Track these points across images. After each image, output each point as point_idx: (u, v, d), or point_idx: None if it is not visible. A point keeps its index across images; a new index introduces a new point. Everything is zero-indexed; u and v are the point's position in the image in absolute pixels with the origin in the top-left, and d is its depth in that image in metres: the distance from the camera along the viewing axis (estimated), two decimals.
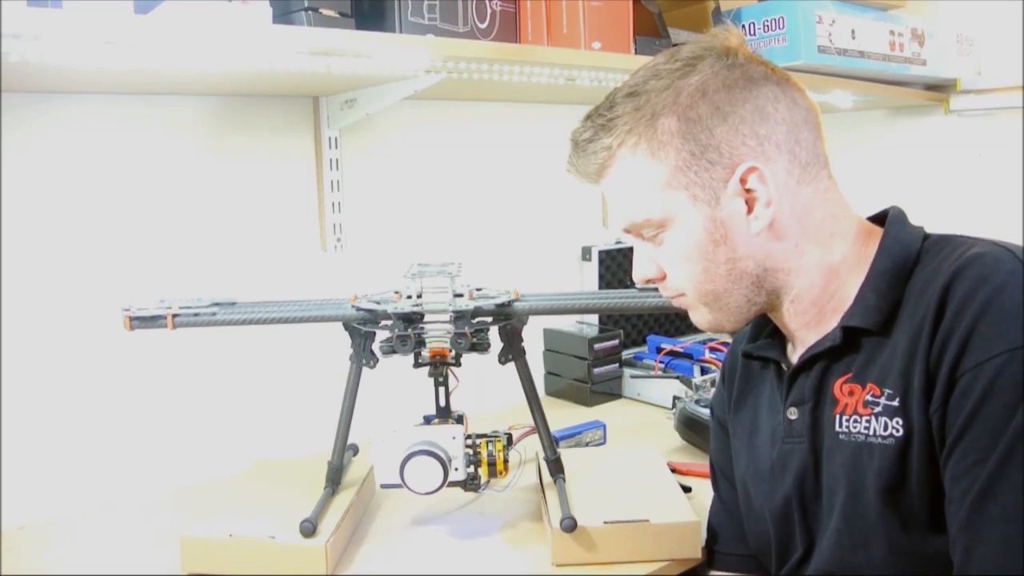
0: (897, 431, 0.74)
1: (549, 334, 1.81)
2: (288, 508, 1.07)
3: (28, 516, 1.22)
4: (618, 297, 1.13)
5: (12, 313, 1.21)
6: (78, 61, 0.96)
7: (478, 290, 1.14)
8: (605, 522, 1.04)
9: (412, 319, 1.08)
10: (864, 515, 0.77)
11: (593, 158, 0.84)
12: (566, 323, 1.82)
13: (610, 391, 1.75)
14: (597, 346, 1.72)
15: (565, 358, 1.77)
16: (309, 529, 1.02)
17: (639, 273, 0.88)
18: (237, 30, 1.01)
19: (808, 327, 0.84)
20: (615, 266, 1.90)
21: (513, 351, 1.13)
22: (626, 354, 1.80)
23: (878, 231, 0.84)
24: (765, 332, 0.93)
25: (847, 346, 0.80)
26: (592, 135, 0.83)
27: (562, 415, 1.60)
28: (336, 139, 1.49)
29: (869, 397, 0.77)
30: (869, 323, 0.78)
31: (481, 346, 1.10)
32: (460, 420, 1.13)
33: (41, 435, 1.24)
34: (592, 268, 1.86)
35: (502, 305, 1.09)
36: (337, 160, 1.50)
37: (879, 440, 0.76)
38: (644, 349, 1.85)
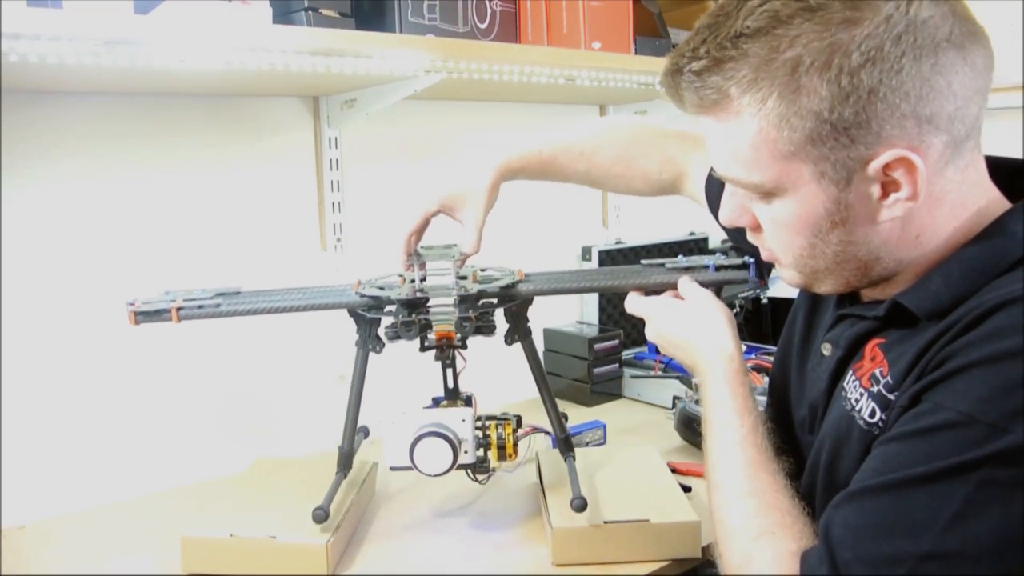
0: (878, 426, 0.71)
1: (549, 334, 1.81)
2: (288, 508, 1.07)
3: (28, 516, 1.22)
4: (622, 274, 1.09)
5: (13, 313, 1.21)
6: (78, 61, 0.96)
7: (482, 271, 1.12)
8: (605, 522, 1.04)
9: (416, 304, 1.07)
10: (841, 482, 0.74)
11: (702, 93, 0.69)
12: (566, 323, 1.82)
13: (610, 391, 1.74)
14: (597, 346, 1.71)
15: (565, 358, 1.76)
16: (321, 516, 1.01)
17: (728, 218, 0.77)
18: (237, 30, 1.01)
19: (880, 287, 0.76)
20: (615, 266, 1.90)
21: (519, 331, 1.12)
22: (626, 354, 1.80)
23: (1001, 210, 0.71)
24: None
25: (894, 316, 0.73)
26: (705, 68, 0.68)
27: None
28: (336, 139, 1.49)
29: (878, 372, 0.72)
30: (917, 308, 0.69)
31: (487, 328, 1.08)
32: (469, 402, 1.12)
33: (42, 434, 1.24)
34: (592, 268, 1.86)
35: (506, 287, 1.08)
36: (337, 160, 1.50)
37: (863, 424, 0.72)
38: (644, 349, 1.85)
